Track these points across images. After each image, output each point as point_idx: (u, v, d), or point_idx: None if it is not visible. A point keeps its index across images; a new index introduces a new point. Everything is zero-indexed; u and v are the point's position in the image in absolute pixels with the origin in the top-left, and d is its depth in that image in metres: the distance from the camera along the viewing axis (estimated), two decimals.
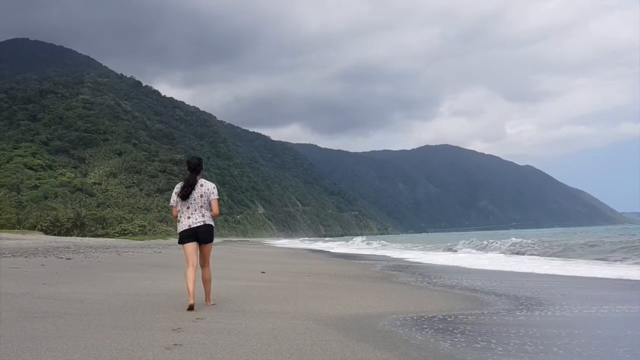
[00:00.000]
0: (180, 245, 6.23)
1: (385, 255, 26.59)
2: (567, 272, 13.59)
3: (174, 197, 6.30)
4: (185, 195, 6.18)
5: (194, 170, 6.27)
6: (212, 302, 6.50)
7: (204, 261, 6.35)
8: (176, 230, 6.44)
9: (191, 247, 6.17)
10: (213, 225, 6.30)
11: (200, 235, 6.18)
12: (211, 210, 6.28)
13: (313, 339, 4.57)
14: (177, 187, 6.35)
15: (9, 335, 4.34)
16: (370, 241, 55.60)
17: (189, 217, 6.19)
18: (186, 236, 6.18)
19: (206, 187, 6.25)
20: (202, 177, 6.39)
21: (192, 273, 6.02)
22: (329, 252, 34.43)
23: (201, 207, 6.20)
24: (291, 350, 4.09)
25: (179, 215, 6.26)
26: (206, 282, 6.38)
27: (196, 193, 6.20)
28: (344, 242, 63.72)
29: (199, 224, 6.16)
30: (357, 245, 47.87)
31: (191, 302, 5.92)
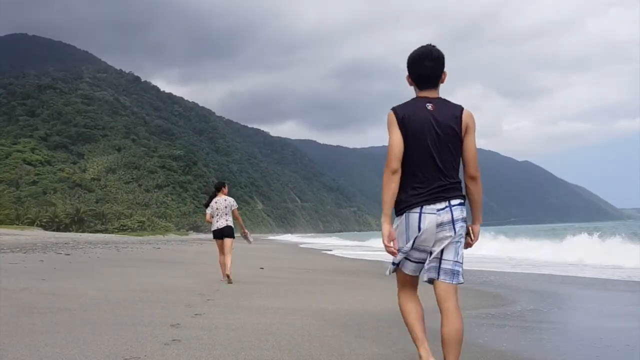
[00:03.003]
0: (213, 240, 9.42)
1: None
2: None
3: (208, 209, 9.32)
4: (215, 206, 9.23)
5: (218, 190, 9.41)
6: (231, 280, 8.98)
7: (227, 251, 9.13)
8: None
9: (219, 241, 9.26)
10: (232, 226, 9.26)
11: (225, 233, 9.18)
12: (233, 216, 9.30)
13: (311, 335, 4.58)
14: (210, 201, 9.37)
15: (8, 330, 4.35)
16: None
17: (217, 221, 9.19)
18: (216, 234, 9.28)
19: (229, 201, 9.29)
20: (224, 194, 9.42)
21: (222, 258, 9.22)
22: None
23: (225, 214, 9.22)
24: (289, 346, 4.10)
25: (212, 220, 9.28)
26: (227, 265, 9.07)
27: (222, 204, 9.22)
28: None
29: (223, 226, 9.18)
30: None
31: (223, 278, 9.14)
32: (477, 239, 3.05)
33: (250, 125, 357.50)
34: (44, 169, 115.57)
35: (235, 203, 9.41)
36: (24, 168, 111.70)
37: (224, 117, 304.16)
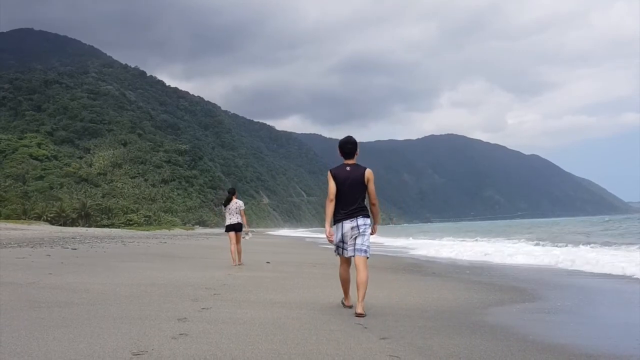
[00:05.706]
0: (226, 233, 12.04)
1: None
2: None
3: (223, 208, 12.15)
4: (227, 206, 11.93)
5: (232, 194, 12.00)
6: (241, 263, 11.87)
7: (237, 241, 11.86)
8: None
9: (232, 234, 11.80)
10: (241, 222, 11.93)
11: (235, 228, 11.85)
12: (240, 214, 11.92)
13: (318, 329, 4.57)
14: (227, 203, 11.97)
15: (16, 324, 4.36)
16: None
17: (230, 219, 11.88)
18: (228, 228, 11.91)
19: (239, 204, 11.99)
20: (236, 197, 12.07)
21: (233, 248, 11.73)
22: None
23: (236, 213, 11.90)
24: (296, 340, 4.09)
25: (225, 217, 12.01)
26: (239, 252, 11.89)
27: (233, 206, 11.89)
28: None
29: (234, 222, 11.86)
30: None
31: (234, 264, 11.58)
32: (376, 231, 5.68)
33: (255, 120, 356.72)
34: (50, 164, 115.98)
35: (243, 206, 12.08)
36: (30, 163, 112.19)
37: (229, 112, 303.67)
